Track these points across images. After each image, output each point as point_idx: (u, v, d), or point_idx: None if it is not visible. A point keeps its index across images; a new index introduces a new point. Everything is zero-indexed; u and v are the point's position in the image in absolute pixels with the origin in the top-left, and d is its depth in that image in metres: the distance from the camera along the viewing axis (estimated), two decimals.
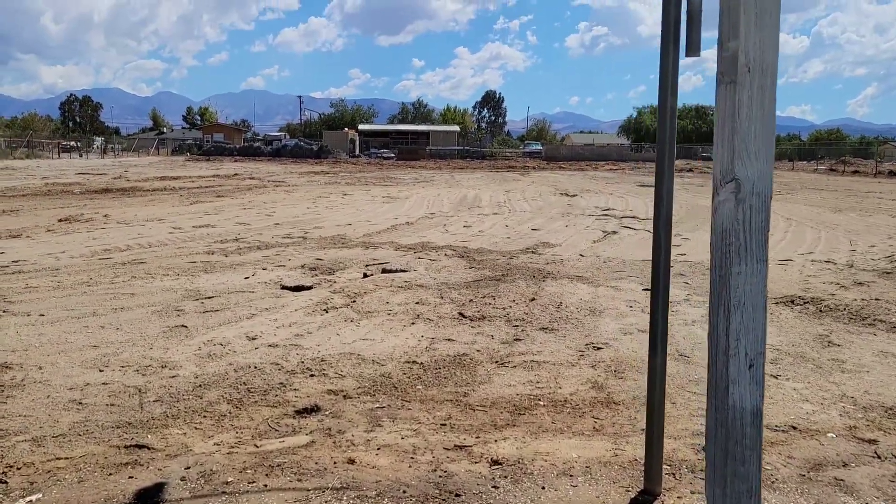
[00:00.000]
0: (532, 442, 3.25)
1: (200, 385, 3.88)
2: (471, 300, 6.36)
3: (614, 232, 12.46)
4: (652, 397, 2.81)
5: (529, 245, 10.66)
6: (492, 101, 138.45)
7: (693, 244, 10.96)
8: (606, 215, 15.53)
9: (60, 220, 12.75)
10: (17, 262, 8.40)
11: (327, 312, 5.80)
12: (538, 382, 4.11)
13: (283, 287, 7.02)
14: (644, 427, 2.89)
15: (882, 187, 28.47)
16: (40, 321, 5.31)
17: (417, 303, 6.24)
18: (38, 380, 3.89)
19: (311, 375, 4.08)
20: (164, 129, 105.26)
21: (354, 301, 6.25)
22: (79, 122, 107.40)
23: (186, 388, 3.85)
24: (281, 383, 3.93)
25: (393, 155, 64.89)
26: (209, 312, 5.73)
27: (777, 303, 6.44)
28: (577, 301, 6.37)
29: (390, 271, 8.09)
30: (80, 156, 55.00)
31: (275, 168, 38.85)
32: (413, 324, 5.44)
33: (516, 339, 5.00)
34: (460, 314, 5.76)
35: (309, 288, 7.00)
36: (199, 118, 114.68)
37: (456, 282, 7.42)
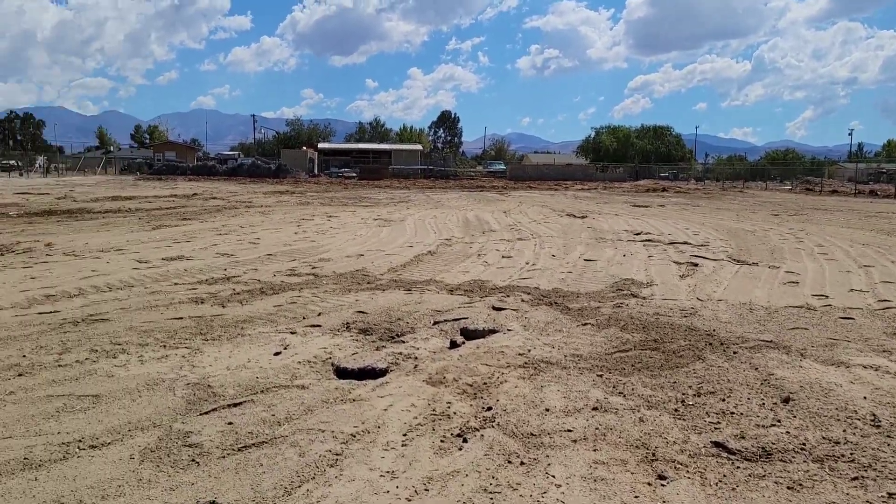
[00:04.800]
0: None
1: None
2: (682, 401, 3.73)
3: (694, 264, 9.98)
4: None
5: (612, 283, 8.14)
6: (448, 121, 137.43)
7: (812, 279, 8.53)
8: (650, 241, 13.07)
9: None
10: None
11: (466, 442, 3.14)
12: None
13: (341, 371, 4.34)
14: None
15: (879, 207, 26.90)
16: None
17: (595, 409, 3.61)
18: None
19: None
20: (112, 148, 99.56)
21: (489, 409, 3.58)
22: (20, 140, 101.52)
23: None
24: None
25: (355, 174, 62.21)
26: (246, 452, 3.01)
27: None
28: (869, 409, 3.75)
29: (478, 335, 5.44)
30: (21, 175, 50.64)
31: (234, 188, 35.65)
32: (663, 477, 2.81)
33: None
34: (716, 445, 3.12)
35: (384, 372, 4.33)
36: (147, 137, 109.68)
37: (592, 353, 4.83)
